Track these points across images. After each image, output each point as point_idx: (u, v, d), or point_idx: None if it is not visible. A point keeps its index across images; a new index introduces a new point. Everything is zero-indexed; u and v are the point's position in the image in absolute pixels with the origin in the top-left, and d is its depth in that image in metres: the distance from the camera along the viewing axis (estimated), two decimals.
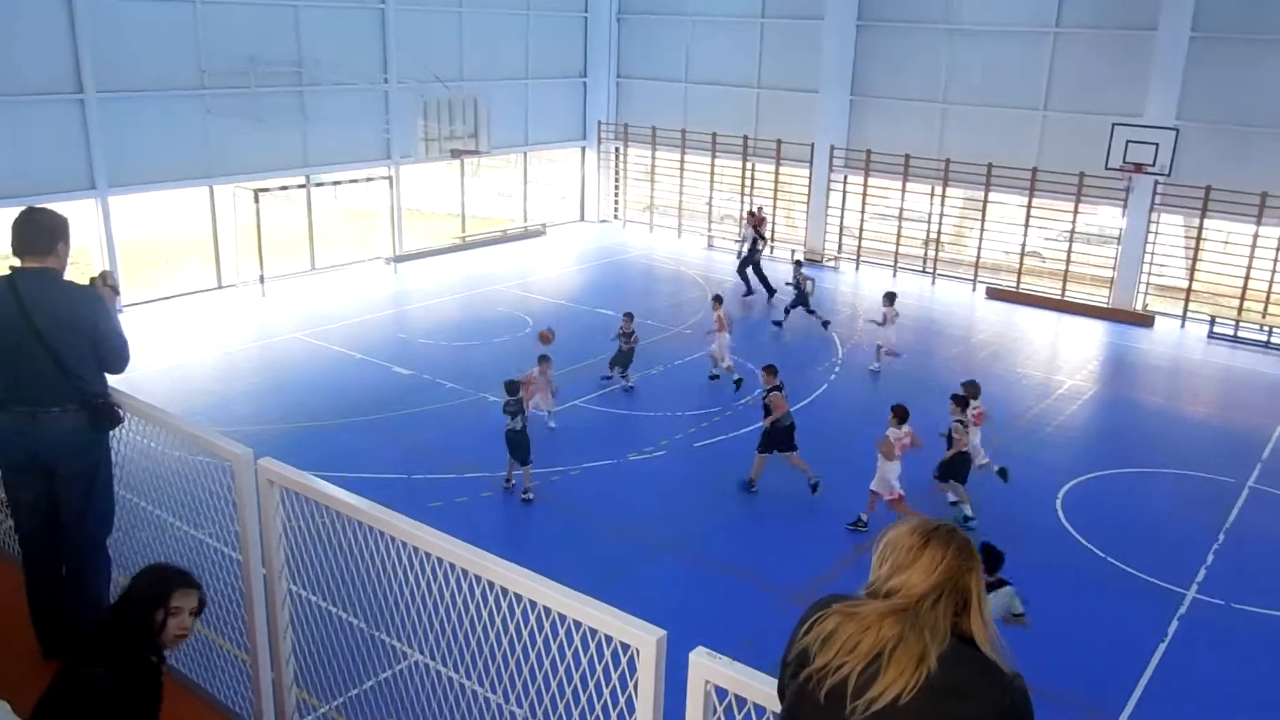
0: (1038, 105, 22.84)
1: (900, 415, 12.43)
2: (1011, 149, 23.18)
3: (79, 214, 18.47)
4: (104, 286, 4.98)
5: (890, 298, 18.15)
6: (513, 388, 12.80)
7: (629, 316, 16.94)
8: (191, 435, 4.38)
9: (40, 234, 4.65)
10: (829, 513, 12.67)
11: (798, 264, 21.78)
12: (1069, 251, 23.15)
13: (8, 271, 4.67)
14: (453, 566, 3.33)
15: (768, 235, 26.56)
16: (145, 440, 4.99)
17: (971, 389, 13.30)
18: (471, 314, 20.96)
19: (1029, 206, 23.38)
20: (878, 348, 18.22)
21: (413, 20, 24.07)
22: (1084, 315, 22.47)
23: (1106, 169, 21.44)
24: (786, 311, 20.53)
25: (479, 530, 11.52)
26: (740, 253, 24.49)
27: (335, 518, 3.79)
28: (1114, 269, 22.68)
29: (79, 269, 15.46)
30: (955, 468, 12.62)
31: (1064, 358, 19.98)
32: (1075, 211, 22.86)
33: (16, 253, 4.67)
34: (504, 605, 3.23)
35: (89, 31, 18.59)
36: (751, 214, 23.66)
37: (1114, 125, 21.21)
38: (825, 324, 20.32)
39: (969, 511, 12.42)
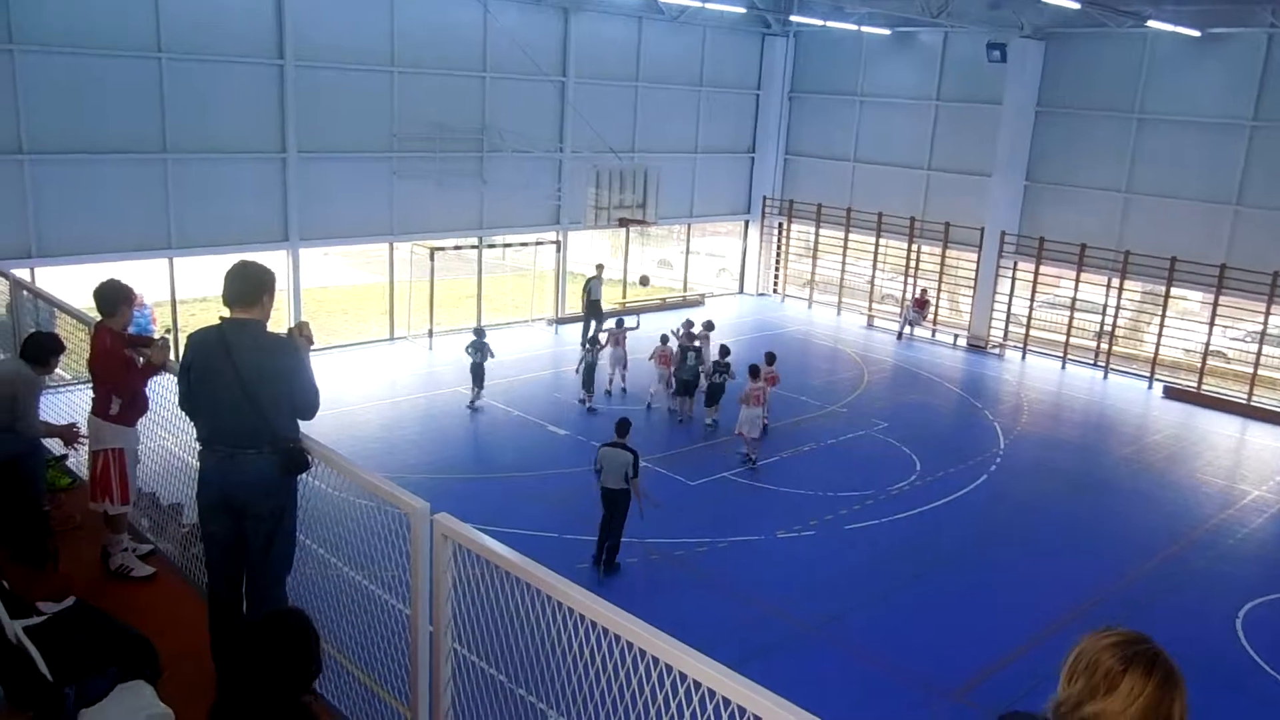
0: (1229, 200, 21.73)
1: (754, 372, 16.36)
2: (1198, 243, 22.07)
3: (266, 263, 19.74)
4: (300, 336, 5.29)
5: (771, 358, 18.05)
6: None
7: (684, 333, 18.83)
8: (373, 485, 4.56)
9: (250, 286, 4.98)
10: (988, 608, 12.13)
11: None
12: (1258, 354, 21.75)
13: (218, 321, 5.03)
14: (617, 638, 3.34)
15: (930, 317, 26.12)
16: (326, 486, 5.23)
17: (769, 358, 17.57)
18: (628, 379, 21.20)
19: (1215, 304, 22.15)
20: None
21: (590, 93, 24.96)
22: (1273, 423, 20.97)
23: None
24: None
25: (622, 595, 11.52)
26: (900, 333, 24.18)
27: (504, 578, 3.86)
28: None
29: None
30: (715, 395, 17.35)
31: (1249, 466, 18.66)
32: (1267, 312, 21.50)
33: (227, 303, 5.02)
34: (675, 687, 3.21)
35: (295, 97, 20.06)
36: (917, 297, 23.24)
37: None
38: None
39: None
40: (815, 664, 10.86)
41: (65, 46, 17.20)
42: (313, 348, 5.32)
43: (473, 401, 18.49)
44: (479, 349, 18.46)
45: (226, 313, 5.00)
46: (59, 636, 3.94)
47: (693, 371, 18.29)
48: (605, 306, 23.66)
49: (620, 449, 12.09)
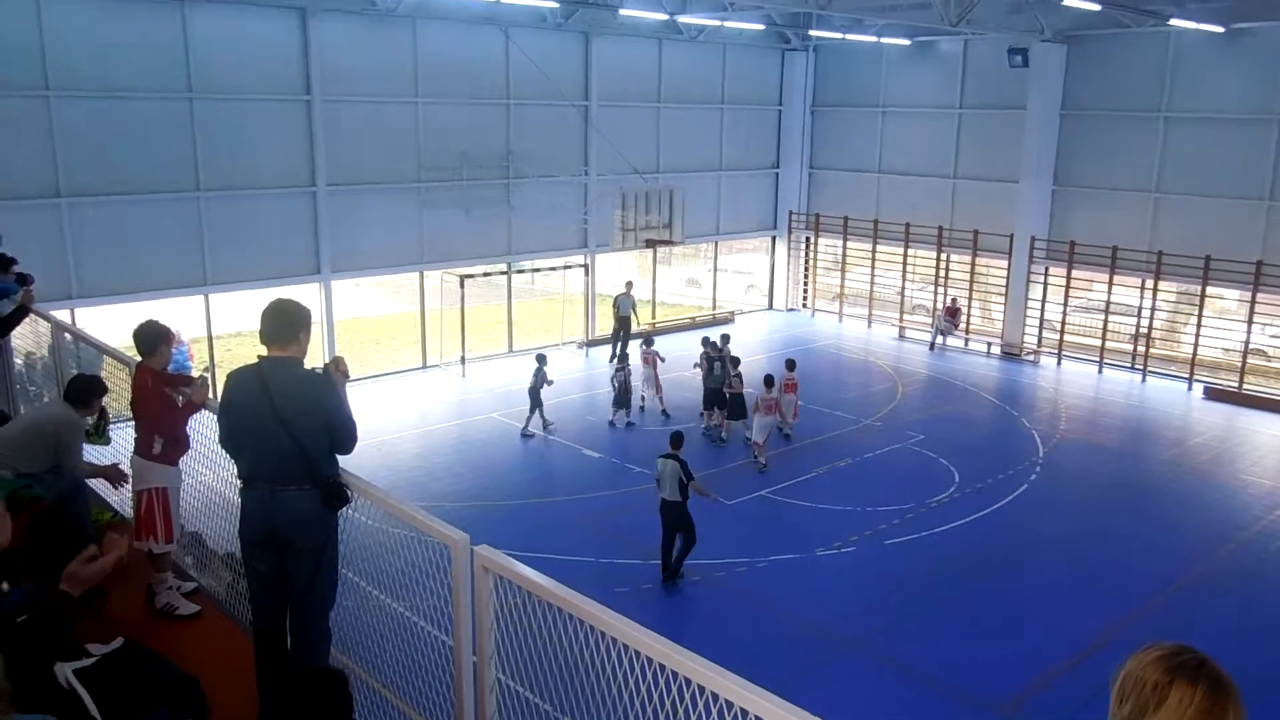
0: (1262, 195, 21.44)
1: (768, 382, 16.95)
2: (1233, 241, 21.78)
3: (299, 296, 19.97)
4: (336, 372, 5.34)
5: (791, 364, 18.69)
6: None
7: (710, 344, 19.05)
8: (412, 517, 4.58)
9: (286, 324, 5.04)
10: (1032, 622, 11.96)
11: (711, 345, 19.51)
12: None
13: (255, 359, 5.08)
14: (663, 668, 3.32)
15: (962, 326, 25.97)
16: (366, 518, 5.26)
17: (789, 365, 18.38)
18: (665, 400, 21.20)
19: (1253, 301, 21.82)
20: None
21: (614, 116, 25.09)
22: None
23: None
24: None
25: (660, 621, 11.48)
26: (933, 344, 24.07)
27: (545, 607, 3.86)
28: None
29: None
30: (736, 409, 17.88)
31: None
32: None
33: (264, 341, 5.07)
34: (723, 714, 3.18)
35: (323, 131, 20.32)
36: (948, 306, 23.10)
37: None
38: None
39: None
40: (861, 682, 10.75)
41: (99, 91, 17.56)
42: (348, 381, 5.36)
43: (525, 427, 18.50)
44: (535, 374, 18.38)
45: (264, 350, 5.06)
46: (108, 679, 3.97)
47: (719, 381, 18.34)
48: (635, 326, 23.71)
49: (670, 459, 12.53)
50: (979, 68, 25.78)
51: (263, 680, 5.12)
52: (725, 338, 19.82)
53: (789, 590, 12.74)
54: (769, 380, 17.24)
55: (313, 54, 19.90)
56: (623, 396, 19.12)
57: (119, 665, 4.19)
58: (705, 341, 19.59)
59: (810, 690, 10.25)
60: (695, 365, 19.29)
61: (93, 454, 7.31)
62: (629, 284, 24.68)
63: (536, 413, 18.45)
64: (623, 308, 23.75)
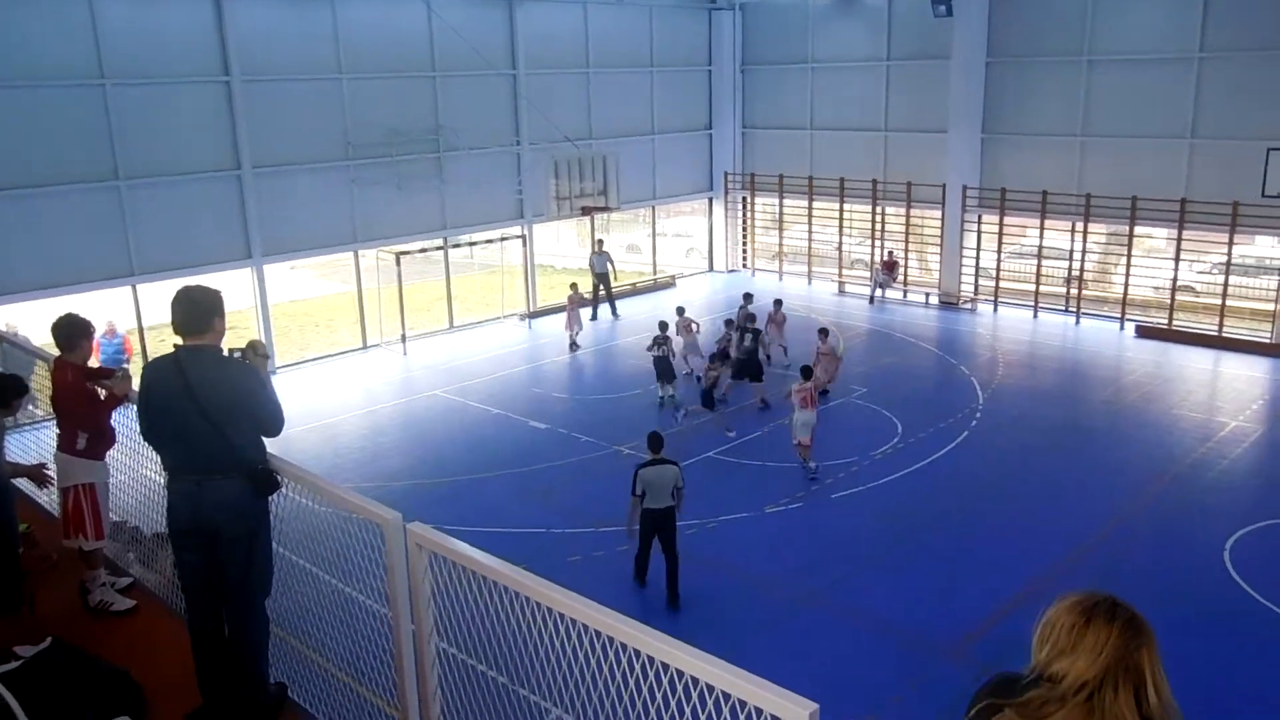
0: (1184, 134, 21.87)
1: (806, 373, 15.24)
2: (1157, 180, 22.22)
3: (233, 282, 19.60)
4: (255, 356, 5.24)
5: (778, 304, 19.99)
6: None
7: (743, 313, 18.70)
8: (344, 500, 4.53)
9: (198, 312, 4.90)
10: (979, 564, 12.22)
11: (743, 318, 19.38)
12: (1225, 285, 21.95)
13: (171, 350, 4.96)
14: (599, 633, 3.33)
15: (899, 278, 26.29)
16: (302, 500, 5.19)
17: (822, 334, 18.54)
18: (604, 368, 21.21)
19: (1179, 239, 22.32)
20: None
21: (542, 84, 24.82)
22: (1245, 352, 21.18)
23: (1264, 196, 20.31)
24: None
25: (615, 586, 11.51)
26: (872, 297, 24.41)
27: (482, 581, 3.85)
28: (1276, 302, 21.37)
29: (233, 334, 16.36)
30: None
31: (1225, 398, 18.84)
32: (1230, 243, 21.69)
33: (177, 331, 4.94)
34: (650, 672, 3.20)
35: (246, 113, 19.84)
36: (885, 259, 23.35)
37: (1269, 150, 20.13)
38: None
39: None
40: (816, 633, 10.91)
41: (5, 79, 16.94)
42: (283, 363, 5.27)
43: (665, 399, 18.11)
44: (657, 343, 18.03)
45: (180, 342, 4.94)
46: (36, 681, 3.87)
47: (749, 353, 18.01)
48: (614, 280, 25.07)
49: (664, 464, 11.23)
50: (904, 19, 25.86)
51: (202, 673, 5.05)
52: (749, 296, 20.00)
53: (741, 549, 12.86)
54: (807, 371, 15.39)
55: (229, 33, 19.37)
56: (667, 370, 18.09)
57: (47, 666, 4.09)
58: (740, 313, 19.35)
59: (767, 645, 10.39)
60: (719, 342, 18.76)
61: (16, 453, 7.13)
62: (599, 241, 24.93)
63: (665, 384, 18.11)
64: (598, 266, 24.18)
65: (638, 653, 3.17)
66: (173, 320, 4.89)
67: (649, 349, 18.33)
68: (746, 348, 18.04)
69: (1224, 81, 21.29)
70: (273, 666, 5.28)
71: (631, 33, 27.16)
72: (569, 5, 25.42)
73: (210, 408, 4.74)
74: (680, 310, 20.15)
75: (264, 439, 5.02)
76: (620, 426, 17.10)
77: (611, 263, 25.17)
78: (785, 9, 27.92)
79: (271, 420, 4.98)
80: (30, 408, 9.97)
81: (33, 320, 18.01)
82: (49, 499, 7.53)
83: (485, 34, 23.35)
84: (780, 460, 15.57)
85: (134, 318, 19.47)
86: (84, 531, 6.14)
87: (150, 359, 5.11)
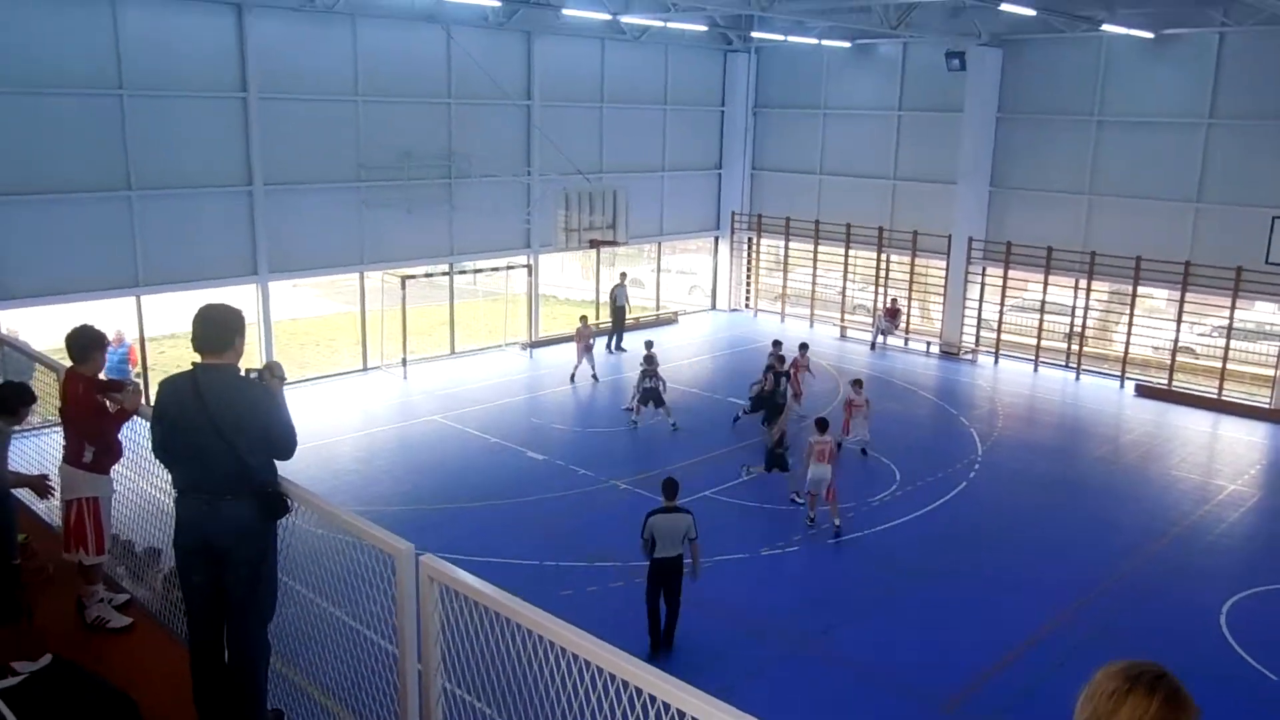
0: (1191, 197, 22.03)
1: (821, 426, 14.57)
2: (1162, 242, 22.35)
3: (237, 297, 19.58)
4: (271, 378, 5.21)
5: (804, 348, 20.14)
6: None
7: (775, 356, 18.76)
8: (356, 528, 4.48)
9: (219, 331, 4.88)
10: (976, 616, 12.13)
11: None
12: (1226, 348, 22.01)
13: (189, 368, 4.92)
14: (612, 677, 3.28)
15: (902, 325, 26.36)
16: (308, 525, 5.14)
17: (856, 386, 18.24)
18: (603, 401, 21.16)
19: (1181, 301, 22.41)
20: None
21: (556, 115, 24.97)
22: (1243, 416, 21.21)
23: (1267, 263, 20.42)
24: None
25: (612, 625, 11.40)
26: (874, 343, 24.50)
27: (494, 617, 3.79)
28: (1276, 368, 21.42)
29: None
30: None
31: (1224, 461, 18.84)
32: (1233, 307, 21.78)
33: (197, 348, 4.91)
34: (651, 713, 3.15)
35: (260, 130, 19.92)
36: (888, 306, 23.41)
37: (1274, 218, 20.26)
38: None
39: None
40: (809, 681, 10.81)
41: (23, 86, 17.01)
42: (286, 383, 5.23)
43: (638, 421, 18.73)
44: (646, 375, 18.63)
45: (198, 357, 4.91)
46: (36, 699, 3.82)
47: (782, 397, 18.00)
48: (628, 315, 25.26)
49: (676, 513, 10.82)
50: (917, 71, 26.12)
51: (199, 694, 4.98)
52: (778, 344, 19.57)
53: (735, 591, 12.76)
54: (822, 424, 14.73)
55: (249, 51, 19.50)
56: (657, 398, 18.75)
57: (47, 684, 4.04)
58: (772, 348, 19.34)
59: (760, 691, 10.29)
60: (754, 385, 18.92)
61: (19, 463, 7.08)
62: (623, 275, 24.97)
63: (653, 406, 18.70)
64: (619, 298, 24.21)
65: (666, 705, 3.10)
66: (193, 337, 4.87)
67: (640, 384, 18.87)
68: (781, 391, 18.16)
69: (1232, 147, 21.47)
70: (270, 695, 5.20)
71: (647, 70, 27.39)
72: (587, 40, 25.64)
73: (226, 428, 4.71)
74: (804, 347, 20.63)
75: (275, 461, 4.98)
76: (618, 460, 17.07)
77: (628, 298, 25.49)
78: (800, 54, 28.17)
79: (285, 443, 4.94)
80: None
81: (33, 326, 18.00)
82: (47, 509, 7.48)
83: (502, 63, 23.52)
84: (778, 503, 15.50)
85: (137, 328, 19.41)
86: (85, 546, 6.08)
87: (165, 375, 5.06)
